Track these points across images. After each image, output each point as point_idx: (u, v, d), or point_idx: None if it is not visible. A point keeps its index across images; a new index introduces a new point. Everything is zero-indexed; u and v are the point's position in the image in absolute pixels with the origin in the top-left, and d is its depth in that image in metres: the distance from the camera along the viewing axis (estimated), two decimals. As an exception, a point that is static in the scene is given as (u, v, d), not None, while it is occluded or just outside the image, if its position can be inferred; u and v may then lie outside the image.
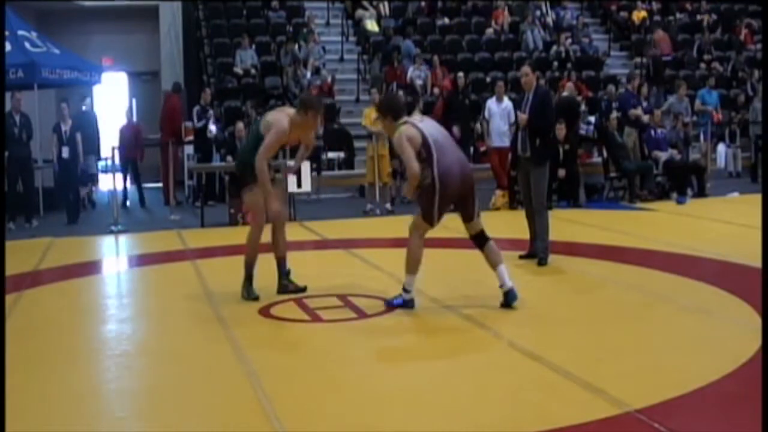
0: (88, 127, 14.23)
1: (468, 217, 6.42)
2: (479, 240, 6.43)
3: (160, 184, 15.34)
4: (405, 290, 6.37)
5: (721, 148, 16.41)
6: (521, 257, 8.27)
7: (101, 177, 16.16)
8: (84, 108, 15.01)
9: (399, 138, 6.17)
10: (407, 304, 6.33)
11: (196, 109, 14.71)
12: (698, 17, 20.59)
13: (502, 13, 19.61)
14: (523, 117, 8.08)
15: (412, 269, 6.32)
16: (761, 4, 19.48)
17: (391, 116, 6.37)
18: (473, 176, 6.48)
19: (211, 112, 14.64)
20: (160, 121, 14.94)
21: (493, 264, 6.38)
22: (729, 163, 16.38)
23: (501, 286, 6.33)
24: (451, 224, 10.99)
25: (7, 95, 12.29)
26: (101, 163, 16.41)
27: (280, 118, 6.68)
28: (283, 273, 7.06)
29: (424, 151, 6.15)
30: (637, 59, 19.29)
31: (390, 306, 6.35)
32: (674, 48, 19.56)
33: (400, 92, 15.32)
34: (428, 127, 6.36)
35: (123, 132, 15.01)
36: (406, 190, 6.89)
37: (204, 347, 5.60)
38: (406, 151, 6.15)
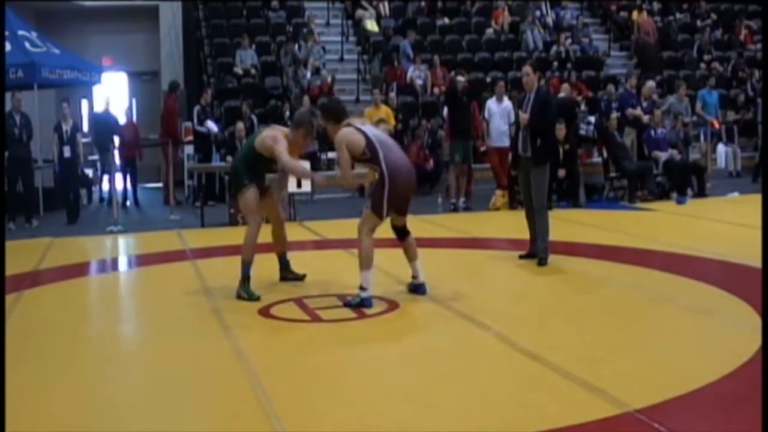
0: (107, 126, 14.29)
1: (401, 214, 6.68)
2: (401, 233, 6.75)
3: (160, 184, 15.36)
4: (362, 288, 6.39)
5: (721, 147, 16.41)
6: (521, 257, 8.27)
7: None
8: (105, 108, 14.95)
9: (339, 141, 6.47)
10: (364, 302, 6.33)
11: (196, 109, 14.71)
12: (699, 24, 20.60)
13: (502, 13, 19.61)
14: (524, 117, 8.07)
15: (366, 265, 6.39)
16: (761, 4, 19.48)
17: (333, 120, 6.67)
18: (416, 182, 6.81)
19: (211, 122, 14.55)
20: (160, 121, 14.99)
21: (410, 258, 6.76)
22: (729, 163, 16.38)
23: (414, 278, 6.72)
24: (451, 224, 11.05)
25: (8, 95, 12.29)
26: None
27: (277, 135, 6.90)
28: (284, 264, 7.44)
29: (369, 151, 6.41)
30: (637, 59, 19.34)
31: (349, 306, 6.36)
32: (658, 31, 19.61)
33: (392, 93, 15.30)
34: (370, 129, 6.72)
35: (121, 132, 15.01)
36: (320, 179, 7.22)
37: (204, 347, 5.60)
38: (342, 156, 6.47)
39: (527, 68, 8.30)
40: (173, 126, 14.60)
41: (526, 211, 8.35)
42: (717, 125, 15.91)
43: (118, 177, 14.33)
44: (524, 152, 8.12)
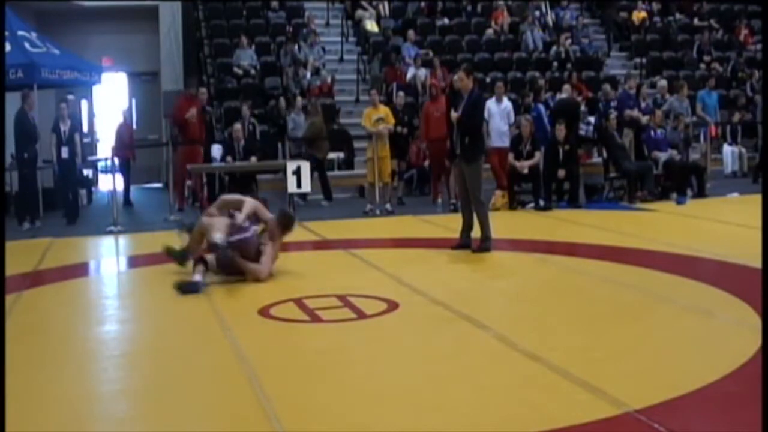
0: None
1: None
2: None
3: (158, 185, 15.36)
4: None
5: (726, 148, 16.41)
6: (453, 248, 8.70)
7: (100, 177, 16.18)
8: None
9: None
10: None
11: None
12: (696, 22, 20.63)
13: (502, 13, 19.61)
14: (455, 115, 8.71)
15: None
16: (761, 4, 19.48)
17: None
18: None
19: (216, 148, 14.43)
20: None
21: None
22: (734, 163, 16.39)
23: None
24: (452, 224, 11.03)
25: (18, 95, 12.30)
26: (100, 164, 16.46)
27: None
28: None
29: None
30: (637, 59, 19.32)
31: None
32: (658, 31, 19.67)
33: (401, 93, 15.21)
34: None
35: (119, 132, 14.98)
36: None
37: (204, 347, 5.60)
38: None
39: (461, 74, 8.88)
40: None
41: (461, 203, 9.00)
42: (714, 132, 15.90)
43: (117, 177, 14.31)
44: (456, 150, 8.75)
